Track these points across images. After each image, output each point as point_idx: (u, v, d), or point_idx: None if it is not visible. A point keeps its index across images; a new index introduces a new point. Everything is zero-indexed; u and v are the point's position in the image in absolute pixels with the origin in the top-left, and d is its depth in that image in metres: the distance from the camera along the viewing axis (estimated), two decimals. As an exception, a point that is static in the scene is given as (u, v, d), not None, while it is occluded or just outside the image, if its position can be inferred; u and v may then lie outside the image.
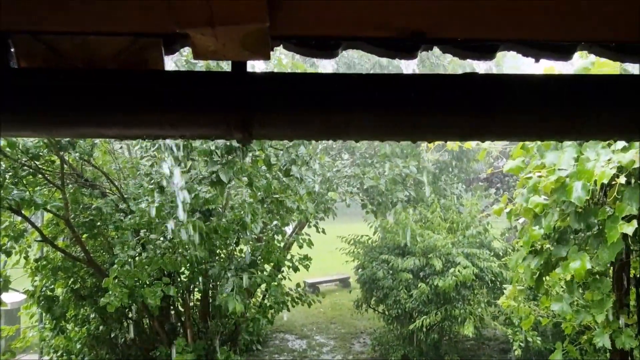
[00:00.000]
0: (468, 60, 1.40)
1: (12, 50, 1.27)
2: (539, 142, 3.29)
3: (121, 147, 6.63)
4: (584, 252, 3.06)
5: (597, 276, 3.11)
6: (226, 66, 4.41)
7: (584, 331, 4.32)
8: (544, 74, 1.29)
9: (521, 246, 3.85)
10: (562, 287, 3.52)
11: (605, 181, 2.54)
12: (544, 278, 3.70)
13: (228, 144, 4.03)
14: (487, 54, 1.35)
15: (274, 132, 1.34)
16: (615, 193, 2.66)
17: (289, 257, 7.32)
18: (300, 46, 1.32)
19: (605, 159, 2.66)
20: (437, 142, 4.31)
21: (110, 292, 5.12)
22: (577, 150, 3.01)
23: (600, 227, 3.11)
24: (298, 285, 7.85)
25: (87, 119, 1.29)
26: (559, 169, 3.00)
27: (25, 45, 1.25)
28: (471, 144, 3.85)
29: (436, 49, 1.42)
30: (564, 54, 1.36)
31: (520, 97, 1.31)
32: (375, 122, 1.32)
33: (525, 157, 3.52)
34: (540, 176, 3.10)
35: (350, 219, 11.18)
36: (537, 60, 1.38)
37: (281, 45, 1.36)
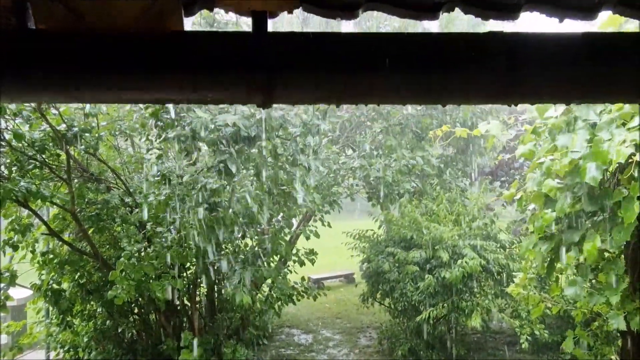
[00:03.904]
0: (490, 21, 1.38)
1: (30, 11, 1.25)
2: (549, 125, 3.27)
3: (126, 140, 6.62)
4: (595, 234, 3.04)
5: (611, 258, 3.09)
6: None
7: (594, 318, 4.29)
8: (572, 31, 1.27)
9: (531, 232, 3.82)
10: (574, 271, 3.49)
11: (622, 160, 2.51)
12: (555, 264, 3.68)
13: (240, 125, 3.98)
14: (510, 13, 1.33)
15: (295, 95, 1.32)
16: (631, 171, 2.63)
17: (294, 251, 7.31)
18: (320, 7, 1.30)
19: (619, 139, 2.63)
20: (445, 130, 4.28)
21: (117, 286, 5.11)
22: (590, 132, 2.99)
23: (613, 209, 3.09)
24: (303, 278, 7.85)
25: (106, 82, 1.27)
26: (571, 152, 2.97)
27: (43, 6, 1.24)
28: (480, 131, 3.82)
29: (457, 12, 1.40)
30: (589, 13, 1.34)
31: (548, 56, 1.29)
32: (401, 84, 1.30)
33: (536, 142, 3.50)
34: (552, 159, 3.07)
35: (355, 215, 11.17)
36: (561, 20, 1.36)
37: (301, 7, 1.34)
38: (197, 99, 1.32)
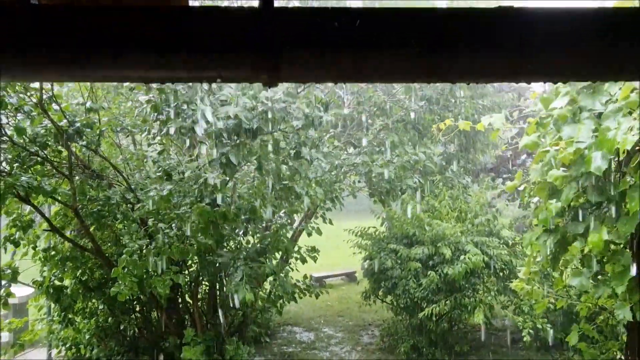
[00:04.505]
0: (500, -2, 1.36)
1: (33, -13, 1.23)
2: (555, 116, 3.25)
3: (128, 136, 6.61)
4: (601, 225, 3.02)
5: (617, 249, 3.06)
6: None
7: (600, 312, 4.26)
8: (584, 7, 1.25)
9: (535, 225, 3.80)
10: (579, 264, 3.47)
11: (628, 147, 2.49)
12: (559, 257, 3.65)
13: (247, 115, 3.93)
14: (521, -11, 1.30)
15: (302, 74, 1.30)
16: (637, 160, 2.61)
17: (296, 248, 7.30)
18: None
19: (626, 127, 2.61)
20: (448, 124, 4.26)
21: (119, 282, 5.09)
22: (595, 122, 2.97)
23: (618, 200, 3.07)
24: (305, 276, 7.83)
25: (110, 60, 1.25)
26: (577, 142, 2.95)
27: (46, -18, 1.22)
28: (483, 125, 3.80)
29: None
30: (600, -10, 1.32)
31: (558, 33, 1.26)
32: (408, 61, 1.28)
33: (541, 134, 3.48)
34: (557, 149, 3.06)
35: (357, 216, 11.15)
36: (571, -3, 1.34)
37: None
38: (203, 77, 1.30)
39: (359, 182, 7.42)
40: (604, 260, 3.28)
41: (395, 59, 1.28)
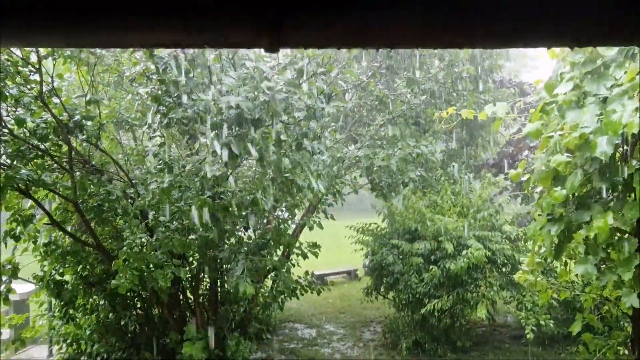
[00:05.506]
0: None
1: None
2: (559, 102, 3.21)
3: (129, 130, 6.58)
4: (606, 212, 2.98)
5: (625, 235, 3.02)
6: None
7: (604, 303, 4.23)
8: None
9: (539, 215, 3.76)
10: (584, 251, 3.42)
11: (635, 130, 2.46)
12: (564, 246, 3.61)
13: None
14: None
15: (305, 37, 1.26)
16: (644, 142, 2.57)
17: (297, 245, 7.26)
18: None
19: (632, 109, 2.58)
20: (451, 112, 4.23)
21: (120, 275, 5.06)
22: (600, 107, 2.93)
23: (624, 187, 3.04)
24: (307, 273, 7.80)
25: (107, 23, 1.23)
26: (582, 127, 2.92)
27: (43, -57, 1.19)
28: (486, 114, 3.77)
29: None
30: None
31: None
32: (418, 24, 1.25)
33: (544, 122, 3.44)
34: (562, 134, 3.02)
35: (358, 215, 11.13)
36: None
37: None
38: (202, 42, 1.28)
39: (360, 176, 7.38)
40: (610, 248, 3.25)
41: (402, 23, 1.25)
